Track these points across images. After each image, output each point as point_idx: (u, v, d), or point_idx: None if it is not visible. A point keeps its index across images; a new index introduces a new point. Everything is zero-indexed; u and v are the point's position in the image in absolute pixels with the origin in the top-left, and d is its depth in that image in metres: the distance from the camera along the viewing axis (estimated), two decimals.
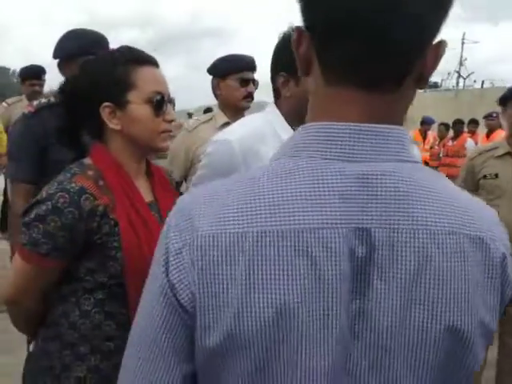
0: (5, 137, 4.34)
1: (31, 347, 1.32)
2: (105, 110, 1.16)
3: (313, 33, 0.59)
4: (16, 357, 2.88)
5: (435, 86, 35.23)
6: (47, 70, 4.44)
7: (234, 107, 2.42)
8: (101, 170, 1.14)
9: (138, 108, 1.16)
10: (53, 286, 1.16)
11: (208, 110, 5.48)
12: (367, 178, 0.56)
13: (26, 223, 1.09)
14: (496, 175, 2.53)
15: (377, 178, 0.56)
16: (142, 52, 1.20)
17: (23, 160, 1.94)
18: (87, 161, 1.18)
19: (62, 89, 1.23)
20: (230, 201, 0.57)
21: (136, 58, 1.18)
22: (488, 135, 7.26)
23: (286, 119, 1.54)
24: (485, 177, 2.57)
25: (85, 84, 1.18)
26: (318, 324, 0.54)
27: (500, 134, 6.54)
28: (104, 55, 1.22)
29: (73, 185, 1.09)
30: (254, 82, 2.45)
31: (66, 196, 1.07)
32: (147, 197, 1.23)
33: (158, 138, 1.19)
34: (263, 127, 1.54)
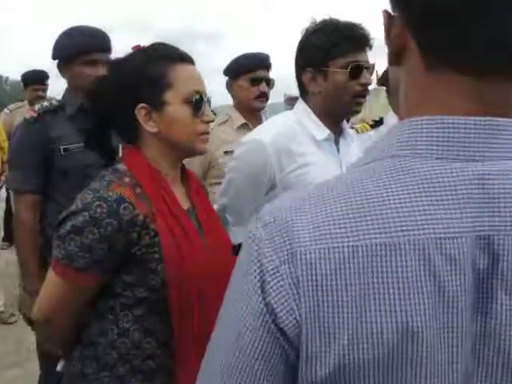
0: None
1: (59, 366, 1.25)
2: (140, 111, 1.09)
3: (409, 14, 0.51)
4: (26, 370, 2.82)
5: None
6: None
7: (248, 108, 2.39)
8: (137, 177, 1.07)
9: (176, 109, 1.09)
10: (89, 303, 1.09)
11: None
12: (487, 180, 0.49)
13: (61, 236, 1.02)
14: None
15: (497, 179, 0.49)
16: (177, 49, 1.14)
17: (27, 169, 1.84)
18: (121, 167, 1.10)
19: (92, 90, 1.17)
20: (334, 210, 0.50)
21: (172, 56, 1.11)
22: None
23: (316, 114, 1.50)
24: None
25: (117, 85, 1.10)
26: (442, 346, 0.47)
27: None
28: (136, 53, 1.14)
29: (110, 193, 1.02)
30: (269, 82, 2.39)
31: (104, 206, 1.00)
32: (184, 204, 1.16)
33: (196, 140, 1.13)
34: (294, 125, 1.49)
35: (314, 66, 1.46)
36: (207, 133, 1.15)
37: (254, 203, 1.48)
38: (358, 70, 1.43)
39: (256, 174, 1.45)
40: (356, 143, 1.62)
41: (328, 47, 1.43)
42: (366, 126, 2.47)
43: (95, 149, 1.18)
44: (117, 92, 1.10)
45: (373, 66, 1.49)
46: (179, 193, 1.16)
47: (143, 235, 1.03)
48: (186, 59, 1.12)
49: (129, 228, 1.01)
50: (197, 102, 1.10)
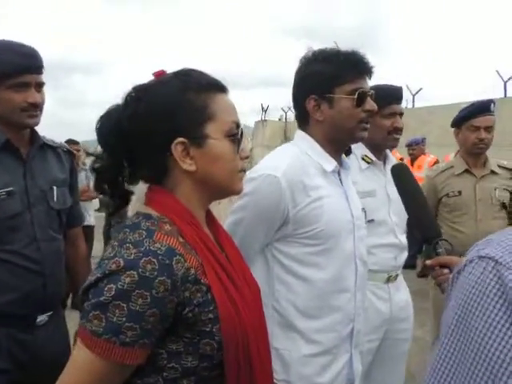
0: None
1: None
2: (177, 147, 0.93)
3: None
4: None
5: None
6: None
7: None
8: (177, 224, 0.92)
9: (219, 144, 0.95)
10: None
11: (71, 141, 5.17)
12: None
13: (100, 304, 0.82)
14: (459, 192, 2.64)
15: None
16: (213, 77, 1.01)
17: None
18: (153, 212, 0.94)
19: (108, 122, 0.97)
20: None
21: (211, 84, 0.98)
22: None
23: (320, 144, 1.47)
24: (447, 195, 2.66)
25: (147, 116, 0.94)
26: None
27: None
28: (168, 80, 0.97)
29: (158, 245, 0.85)
30: None
31: (154, 261, 0.83)
32: None
33: (236, 178, 1.00)
34: (301, 157, 1.44)
35: (318, 94, 1.44)
36: (245, 170, 1.03)
37: (263, 243, 1.43)
38: (364, 96, 1.43)
39: (270, 212, 1.38)
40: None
41: (334, 74, 1.42)
42: None
43: (107, 193, 1.01)
44: (146, 126, 0.94)
45: (373, 93, 1.48)
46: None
47: (195, 292, 0.87)
48: (223, 88, 1.00)
49: (182, 286, 0.85)
50: (237, 136, 0.98)
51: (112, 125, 0.96)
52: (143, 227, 0.89)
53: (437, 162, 6.48)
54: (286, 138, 17.09)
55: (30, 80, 1.57)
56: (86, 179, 5.29)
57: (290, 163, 1.40)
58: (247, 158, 1.03)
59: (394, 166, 1.56)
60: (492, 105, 2.62)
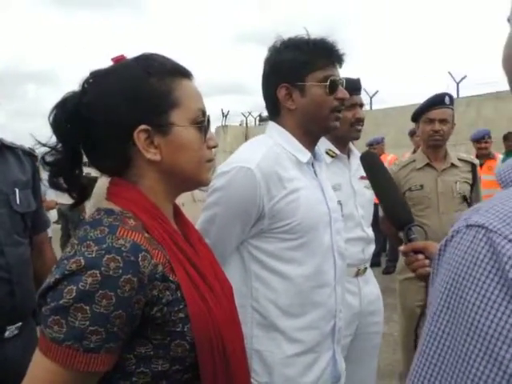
0: None
1: None
2: (140, 135, 0.86)
3: None
4: None
5: None
6: None
7: None
8: (141, 218, 0.86)
9: (185, 131, 0.89)
10: None
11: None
12: None
13: (61, 308, 0.75)
14: (421, 186, 2.68)
15: None
16: (177, 62, 0.95)
17: None
18: (114, 207, 0.88)
19: (58, 113, 0.90)
20: None
21: (175, 69, 0.92)
22: None
23: (292, 135, 1.42)
24: (410, 189, 2.69)
25: (107, 103, 0.87)
26: None
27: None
28: (128, 65, 0.91)
29: (121, 241, 0.79)
30: None
31: (118, 258, 0.77)
32: None
33: (204, 168, 0.94)
34: (275, 149, 1.39)
35: (289, 82, 1.40)
36: (213, 159, 0.98)
37: (238, 240, 1.37)
38: (335, 84, 1.40)
39: (245, 206, 1.31)
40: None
41: (305, 61, 1.39)
42: None
43: (63, 188, 0.94)
44: (106, 112, 0.87)
45: (343, 81, 1.45)
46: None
47: (163, 291, 0.81)
48: (188, 74, 0.94)
49: (150, 284, 0.79)
50: (204, 123, 0.93)
51: (68, 112, 0.89)
52: (105, 223, 0.83)
53: (396, 160, 6.64)
54: None
55: None
56: (42, 190, 5.09)
57: (264, 154, 1.34)
58: (215, 147, 0.96)
59: (363, 154, 1.55)
60: (446, 97, 2.67)
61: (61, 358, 0.75)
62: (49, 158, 0.91)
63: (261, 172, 1.30)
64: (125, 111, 0.86)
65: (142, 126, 0.86)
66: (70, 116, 0.89)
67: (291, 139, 1.42)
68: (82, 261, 0.76)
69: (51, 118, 0.90)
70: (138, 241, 0.81)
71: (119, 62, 0.92)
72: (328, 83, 1.39)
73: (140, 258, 0.79)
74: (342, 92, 1.43)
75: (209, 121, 0.95)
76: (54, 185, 0.93)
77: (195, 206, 1.95)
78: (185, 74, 0.94)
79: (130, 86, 0.87)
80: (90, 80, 0.91)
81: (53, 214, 9.39)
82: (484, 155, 5.22)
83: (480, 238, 0.49)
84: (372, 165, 1.48)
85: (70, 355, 0.74)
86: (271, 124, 1.48)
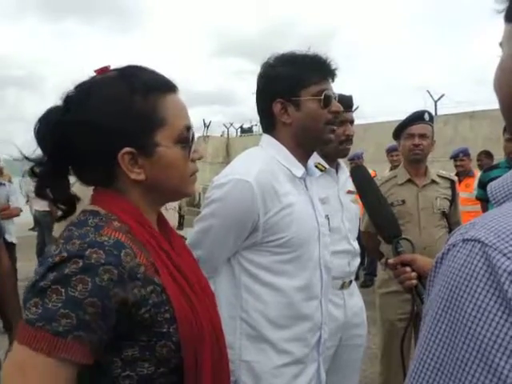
0: None
1: None
2: (124, 158, 0.86)
3: None
4: None
5: None
6: None
7: None
8: (125, 221, 0.87)
9: (169, 152, 0.90)
10: None
11: None
12: None
13: (39, 290, 0.76)
14: (403, 201, 2.72)
15: None
16: (162, 75, 0.93)
17: None
18: (99, 209, 0.89)
19: (47, 125, 0.89)
20: None
21: (159, 84, 0.90)
22: None
23: (287, 148, 1.44)
24: (392, 204, 2.73)
25: (90, 123, 0.86)
26: None
27: None
28: (112, 80, 0.89)
29: (105, 237, 0.81)
30: None
31: (101, 252, 0.78)
32: None
33: (188, 182, 0.96)
34: (270, 162, 1.40)
35: (284, 97, 1.42)
36: (197, 171, 0.98)
37: (230, 252, 1.38)
38: (329, 98, 1.43)
39: (240, 219, 1.32)
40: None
41: (299, 77, 1.41)
42: None
43: (49, 198, 0.93)
44: (89, 135, 0.86)
45: (336, 95, 1.48)
46: None
47: (149, 293, 0.82)
48: (173, 88, 0.93)
49: (130, 282, 0.80)
50: (189, 140, 0.92)
51: (50, 128, 0.88)
52: (91, 224, 0.84)
53: (375, 175, 6.72)
54: (229, 154, 17.14)
55: None
56: (5, 196, 5.02)
57: (261, 168, 1.35)
58: (200, 158, 0.98)
59: (353, 168, 1.58)
60: (426, 114, 2.75)
61: (30, 340, 0.74)
62: (36, 169, 0.91)
63: (258, 185, 1.31)
64: (108, 135, 0.85)
65: (127, 149, 0.86)
66: (53, 132, 0.88)
67: (286, 153, 1.44)
68: (65, 254, 0.78)
69: (35, 132, 0.90)
70: (122, 240, 0.82)
71: (103, 73, 0.91)
72: (322, 97, 1.42)
73: (123, 254, 0.80)
74: (335, 105, 1.46)
75: (193, 135, 0.95)
76: (41, 196, 0.92)
77: (167, 214, 1.97)
78: (170, 88, 0.92)
79: (114, 108, 0.86)
80: (73, 96, 0.89)
81: (28, 221, 9.20)
82: (461, 172, 5.29)
83: (476, 252, 0.51)
84: (362, 178, 1.51)
85: (39, 337, 0.74)
86: (266, 137, 1.50)
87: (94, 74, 0.92)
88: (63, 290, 0.75)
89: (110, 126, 0.85)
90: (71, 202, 0.94)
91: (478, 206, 3.95)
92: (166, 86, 0.91)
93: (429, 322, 0.54)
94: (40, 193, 0.91)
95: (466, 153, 5.52)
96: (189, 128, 0.93)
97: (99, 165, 0.88)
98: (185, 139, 0.91)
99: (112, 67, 0.93)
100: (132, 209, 0.89)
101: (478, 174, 5.33)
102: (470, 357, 0.48)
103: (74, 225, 0.85)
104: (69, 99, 0.89)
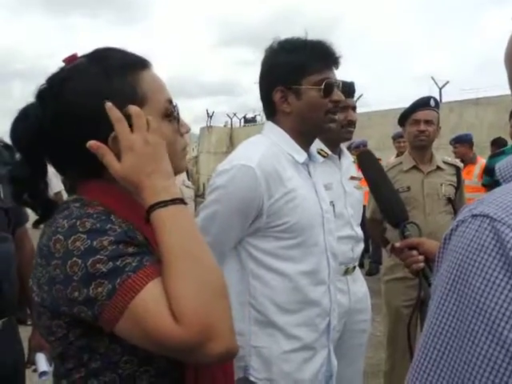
0: None
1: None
2: (114, 143, 0.82)
3: None
4: None
5: None
6: None
7: None
8: (110, 207, 0.83)
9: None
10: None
11: None
12: None
13: (92, 266, 0.74)
14: (408, 188, 2.71)
15: None
16: (133, 53, 0.89)
17: None
18: (81, 197, 0.86)
19: (26, 124, 0.85)
20: None
21: (133, 62, 0.87)
22: None
23: (289, 135, 1.43)
24: (397, 190, 2.71)
25: (69, 114, 0.82)
26: None
27: None
28: (84, 67, 0.85)
29: (90, 210, 0.80)
30: None
31: (90, 219, 0.78)
32: None
33: (178, 158, 0.92)
34: (273, 148, 1.40)
35: (285, 85, 1.40)
36: (187, 145, 0.95)
37: (237, 238, 1.38)
38: (330, 87, 1.41)
39: (245, 204, 1.32)
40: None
41: (301, 65, 1.39)
42: None
43: (28, 203, 0.90)
44: (71, 128, 0.82)
45: (339, 83, 1.46)
46: None
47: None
48: (147, 63, 0.89)
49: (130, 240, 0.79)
50: (173, 114, 0.89)
51: (30, 127, 0.85)
52: (72, 207, 0.82)
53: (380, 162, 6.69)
54: (232, 144, 17.13)
55: None
56: None
57: (264, 153, 1.35)
58: (188, 132, 0.94)
59: (360, 153, 1.58)
60: (432, 100, 2.72)
61: (143, 278, 0.74)
62: (14, 173, 0.88)
63: (261, 170, 1.31)
64: (90, 124, 0.81)
65: (113, 135, 0.81)
66: (33, 130, 0.85)
67: (288, 139, 1.43)
68: (60, 236, 0.77)
69: (12, 133, 0.87)
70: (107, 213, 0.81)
71: (72, 62, 0.87)
72: (323, 86, 1.40)
73: (112, 217, 0.80)
74: (337, 94, 1.44)
75: (177, 107, 0.92)
76: (18, 200, 0.90)
77: None
78: (144, 64, 0.89)
79: (92, 94, 0.82)
80: (47, 90, 0.86)
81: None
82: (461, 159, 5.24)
83: (485, 227, 0.52)
84: (369, 163, 1.51)
85: (141, 274, 0.75)
86: (268, 124, 1.49)
87: (63, 64, 0.88)
88: (122, 247, 0.76)
89: (92, 114, 0.81)
90: (49, 206, 0.91)
91: (479, 194, 3.95)
92: (140, 63, 0.88)
93: (437, 297, 0.54)
94: (17, 197, 0.89)
95: (457, 140, 5.47)
96: (171, 101, 0.90)
97: (83, 160, 0.83)
98: (170, 113, 0.89)
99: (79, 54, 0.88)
100: (119, 195, 0.85)
101: (481, 160, 5.29)
102: (478, 329, 0.49)
103: (56, 213, 0.84)
104: (43, 94, 0.86)
